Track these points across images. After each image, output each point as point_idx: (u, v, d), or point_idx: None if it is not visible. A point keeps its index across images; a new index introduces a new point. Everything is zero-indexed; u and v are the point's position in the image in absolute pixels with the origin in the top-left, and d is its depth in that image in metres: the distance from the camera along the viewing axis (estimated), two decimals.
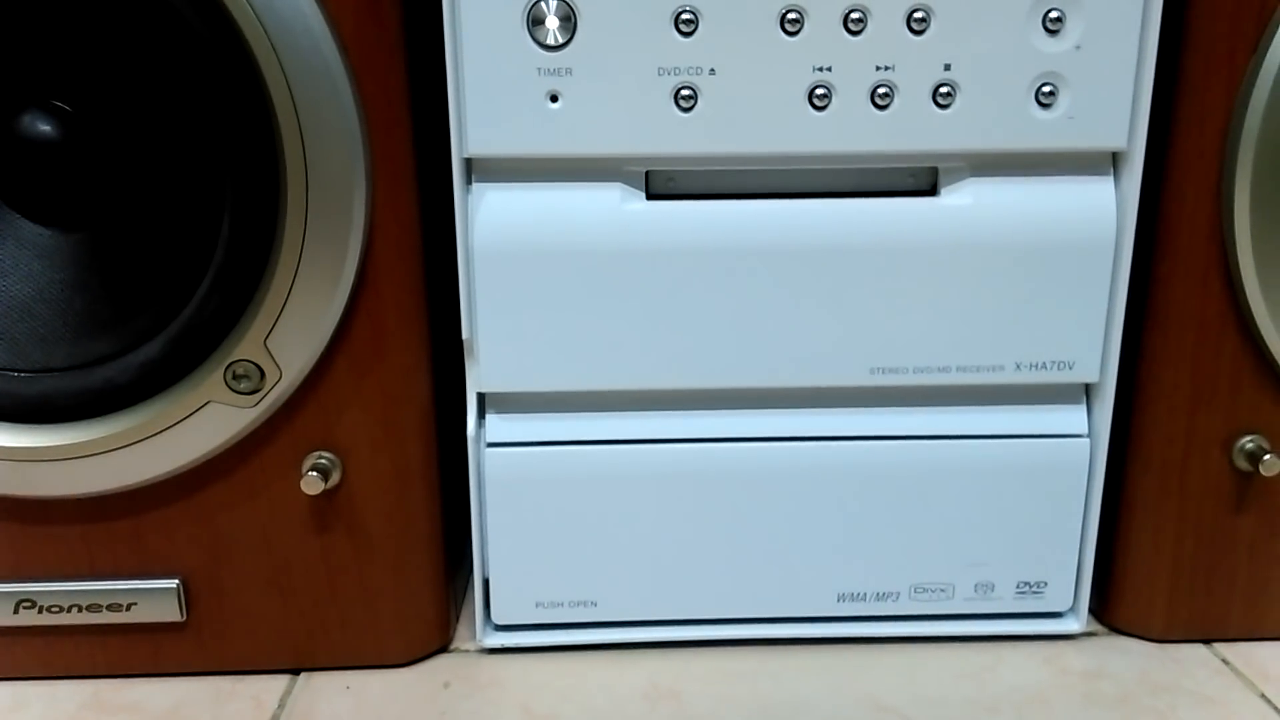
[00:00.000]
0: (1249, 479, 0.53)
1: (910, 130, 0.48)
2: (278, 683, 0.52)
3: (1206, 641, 0.56)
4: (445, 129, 0.47)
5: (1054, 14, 0.47)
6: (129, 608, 0.51)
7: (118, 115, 0.47)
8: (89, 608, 0.51)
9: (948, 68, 0.47)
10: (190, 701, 0.51)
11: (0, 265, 0.48)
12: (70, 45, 0.46)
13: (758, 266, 0.50)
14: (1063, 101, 0.48)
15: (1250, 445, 0.52)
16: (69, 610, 0.51)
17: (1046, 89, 0.48)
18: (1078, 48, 0.47)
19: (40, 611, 0.51)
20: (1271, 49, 0.47)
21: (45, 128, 0.47)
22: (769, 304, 0.50)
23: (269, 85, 0.44)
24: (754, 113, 0.47)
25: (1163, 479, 0.53)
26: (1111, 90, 0.48)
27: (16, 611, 0.51)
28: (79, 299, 0.48)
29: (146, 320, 0.47)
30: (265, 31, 0.43)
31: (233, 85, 0.44)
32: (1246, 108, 0.48)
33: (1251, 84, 0.47)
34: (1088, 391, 0.53)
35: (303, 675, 0.53)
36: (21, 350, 0.47)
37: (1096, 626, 0.57)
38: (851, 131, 0.48)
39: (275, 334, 0.47)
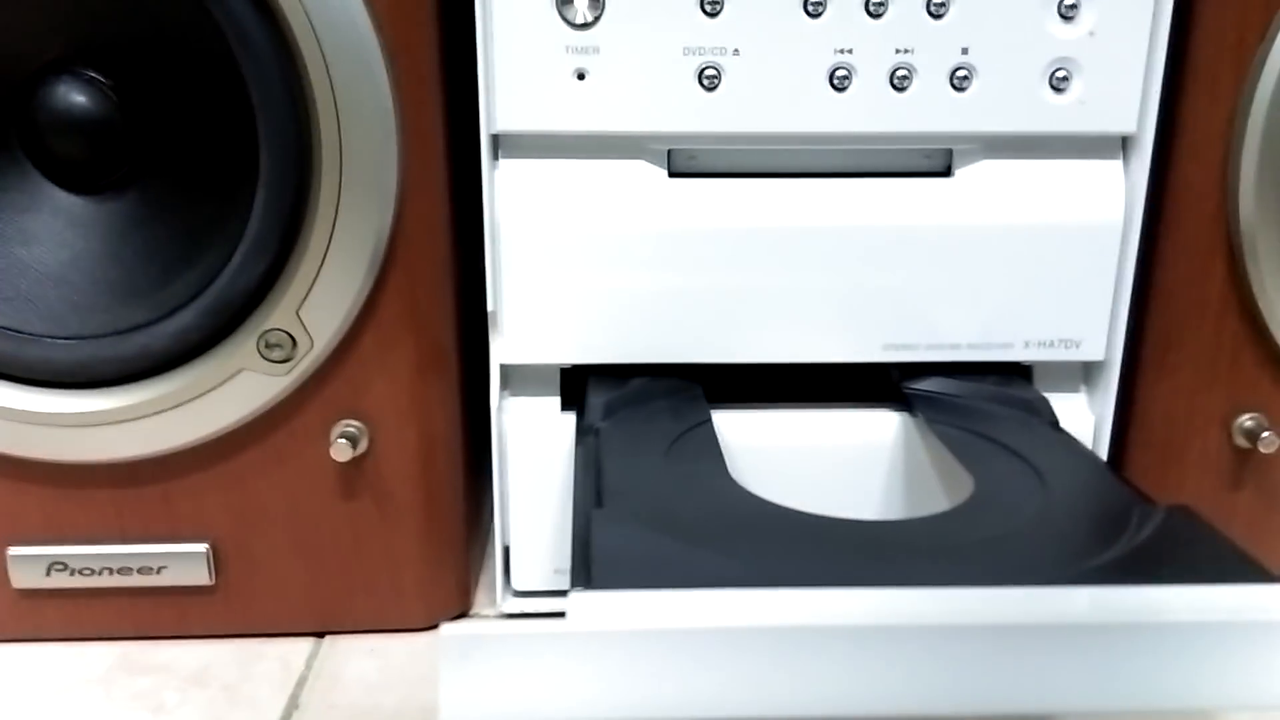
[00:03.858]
0: (1248, 456, 0.55)
1: (928, 112, 0.49)
2: (303, 645, 0.53)
3: None
4: (475, 105, 0.48)
5: (1069, 1, 0.48)
6: (159, 571, 0.52)
7: (152, 86, 0.48)
8: (119, 570, 0.52)
9: (965, 51, 0.48)
10: (218, 663, 0.52)
11: (34, 233, 0.49)
12: (104, 16, 0.46)
13: (775, 243, 0.51)
14: (1076, 86, 0.49)
15: (1249, 423, 0.54)
16: (100, 573, 0.52)
17: (1060, 74, 0.49)
18: (1091, 34, 0.49)
19: (71, 574, 0.52)
20: None
21: (78, 98, 0.48)
22: (785, 281, 0.51)
23: (305, 59, 0.45)
24: (776, 93, 0.49)
25: (1164, 455, 0.55)
26: (1123, 76, 0.49)
27: (49, 574, 0.52)
28: (113, 267, 0.49)
29: (182, 288, 0.48)
30: (303, 6, 0.44)
31: (268, 59, 0.45)
32: (1253, 95, 0.49)
33: (1259, 72, 0.49)
34: (1091, 370, 0.55)
35: (327, 638, 0.54)
36: (57, 317, 0.48)
37: None
38: (871, 112, 0.49)
39: (308, 304, 0.48)
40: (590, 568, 0.33)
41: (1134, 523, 0.38)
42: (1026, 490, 0.42)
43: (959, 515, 0.40)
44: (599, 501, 0.39)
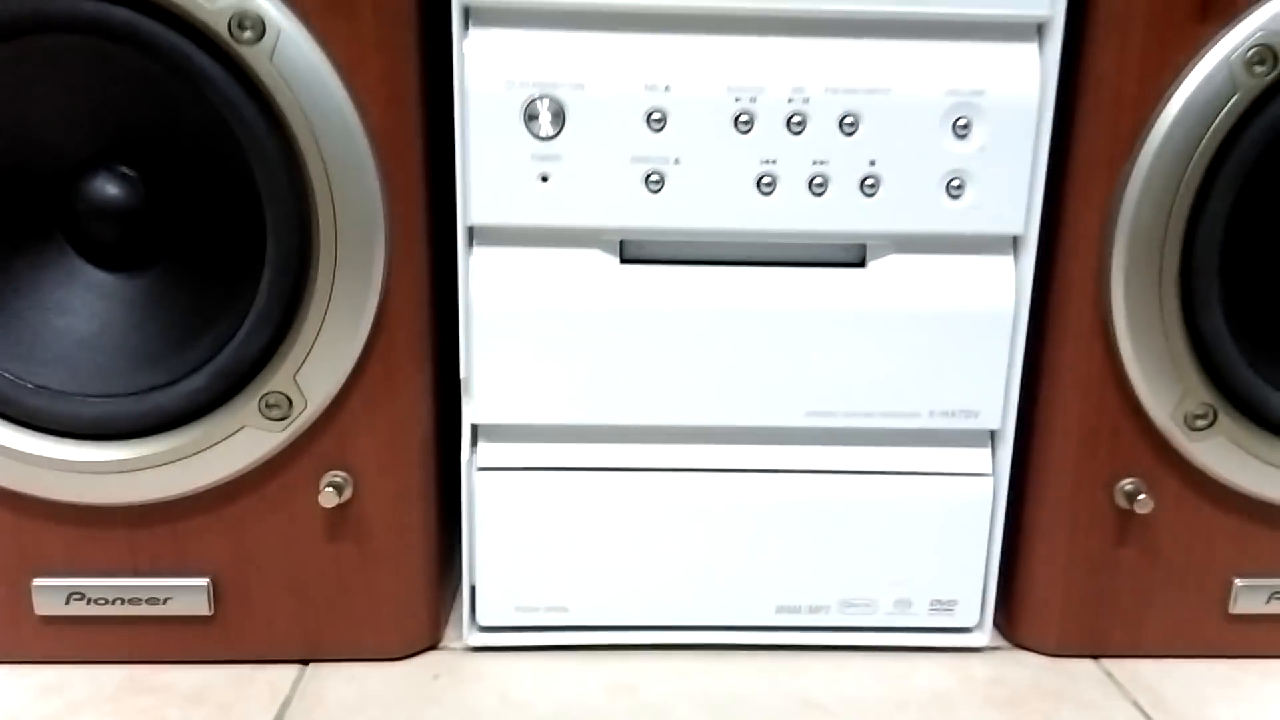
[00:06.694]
0: (1128, 515, 0.62)
1: (842, 214, 0.57)
2: (289, 671, 0.60)
3: (1094, 657, 0.64)
4: (453, 200, 0.57)
5: (962, 121, 0.56)
6: (165, 602, 0.59)
7: (175, 180, 0.56)
8: (130, 601, 0.59)
9: (873, 163, 0.57)
10: (214, 685, 0.59)
11: (69, 305, 0.56)
12: (137, 120, 0.54)
13: (713, 323, 0.59)
14: (969, 193, 0.57)
15: (1129, 486, 0.61)
16: (113, 603, 0.59)
17: (955, 183, 0.57)
18: (982, 149, 0.57)
19: (88, 603, 0.59)
20: (1143, 153, 0.56)
21: (113, 189, 0.55)
22: (722, 355, 0.59)
23: (307, 162, 0.53)
24: (712, 196, 0.57)
25: (1054, 514, 0.62)
26: (1010, 185, 0.57)
27: (68, 603, 0.59)
28: (135, 335, 0.56)
29: (194, 355, 0.55)
30: (305, 115, 0.52)
31: (276, 162, 0.52)
32: (1121, 203, 0.57)
33: (1125, 184, 0.57)
34: (991, 437, 0.62)
35: (311, 665, 0.61)
36: (85, 378, 0.56)
37: (1000, 641, 0.66)
38: (792, 214, 0.57)
39: (304, 369, 0.55)
40: None
41: None
42: None
43: None
44: None
